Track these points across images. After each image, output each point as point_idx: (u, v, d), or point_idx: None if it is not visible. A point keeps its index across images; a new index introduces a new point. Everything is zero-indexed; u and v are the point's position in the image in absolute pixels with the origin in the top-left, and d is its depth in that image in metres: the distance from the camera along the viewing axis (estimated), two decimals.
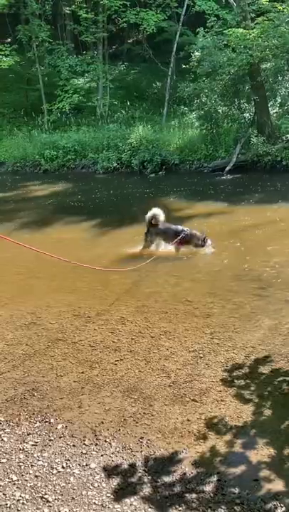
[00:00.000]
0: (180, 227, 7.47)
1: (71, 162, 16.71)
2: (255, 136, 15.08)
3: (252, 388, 3.81)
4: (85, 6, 18.94)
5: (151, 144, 15.50)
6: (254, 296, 5.64)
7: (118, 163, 15.78)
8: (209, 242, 7.36)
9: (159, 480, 2.90)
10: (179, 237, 7.25)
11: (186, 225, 7.87)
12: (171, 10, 19.35)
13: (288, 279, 6.07)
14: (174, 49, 18.55)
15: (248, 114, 15.91)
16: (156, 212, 7.35)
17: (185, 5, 17.74)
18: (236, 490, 2.81)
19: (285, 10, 13.65)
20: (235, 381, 3.93)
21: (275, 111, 16.26)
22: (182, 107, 18.67)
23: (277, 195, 11.42)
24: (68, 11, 21.02)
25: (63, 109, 18.69)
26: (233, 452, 3.12)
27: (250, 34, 13.73)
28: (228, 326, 4.92)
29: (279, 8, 13.72)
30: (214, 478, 2.89)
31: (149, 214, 7.34)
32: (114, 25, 20.31)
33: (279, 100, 16.28)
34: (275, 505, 2.69)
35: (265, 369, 4.08)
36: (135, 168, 15.39)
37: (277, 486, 2.81)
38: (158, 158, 15.22)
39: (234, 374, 4.04)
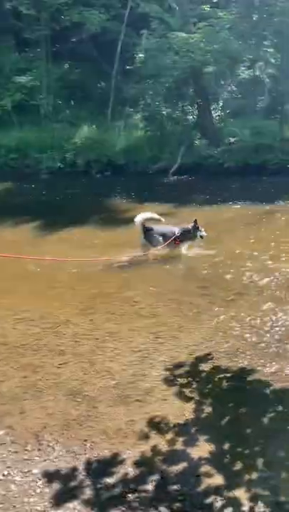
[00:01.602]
0: (175, 228, 7.46)
1: (13, 161, 16.29)
2: (199, 139, 15.41)
3: (194, 386, 3.90)
4: (26, 2, 18.53)
5: (97, 145, 15.44)
6: (198, 296, 5.76)
7: (63, 163, 15.58)
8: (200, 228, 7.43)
9: (102, 482, 2.91)
10: (171, 238, 7.24)
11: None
12: (115, 10, 19.32)
13: (231, 279, 6.24)
14: (119, 50, 18.55)
15: (191, 117, 16.22)
16: (148, 215, 7.33)
17: (128, 6, 17.78)
18: (178, 487, 2.87)
19: (224, 16, 14.04)
20: (179, 379, 4.01)
21: (217, 114, 16.68)
22: (127, 108, 18.72)
23: (220, 196, 11.72)
24: (9, 7, 20.48)
25: (5, 107, 18.20)
26: (175, 450, 3.18)
27: (192, 38, 14.00)
28: (173, 326, 5.00)
29: (219, 14, 14.10)
30: (156, 477, 2.94)
31: (139, 218, 7.23)
32: (58, 24, 20.00)
33: (221, 104, 16.72)
34: (215, 498, 2.77)
35: (206, 366, 4.18)
36: (81, 169, 15.27)
37: (217, 480, 2.90)
38: (104, 158, 15.17)
39: (177, 373, 4.11)
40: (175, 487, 2.87)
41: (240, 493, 2.79)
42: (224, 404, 3.69)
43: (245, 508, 2.69)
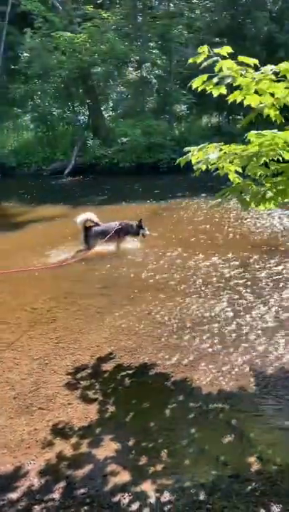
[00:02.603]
0: (114, 223, 7.55)
1: None
2: (92, 139, 15.43)
3: (97, 387, 3.90)
4: None
5: None
6: (98, 297, 5.77)
7: None
8: (146, 231, 7.61)
9: (4, 498, 2.79)
10: (112, 232, 7.33)
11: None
12: None
13: (129, 277, 6.34)
14: (1, 48, 17.91)
15: (83, 117, 16.19)
16: (88, 216, 7.41)
17: (10, 3, 17.20)
18: (85, 490, 2.85)
19: (109, 17, 14.19)
20: (82, 382, 3.98)
21: (108, 114, 16.83)
22: (15, 108, 18.17)
23: (117, 196, 11.86)
24: None
25: None
26: (81, 453, 3.15)
27: (78, 38, 13.95)
28: (74, 329, 4.96)
29: (103, 15, 14.21)
30: (63, 484, 2.89)
31: (81, 219, 7.35)
32: None
33: (111, 104, 16.90)
34: (122, 495, 2.79)
35: (109, 366, 4.21)
36: None
37: (124, 477, 2.93)
38: None
39: (80, 376, 4.08)
40: (82, 491, 2.85)
41: (147, 486, 2.85)
42: (127, 401, 3.74)
43: (152, 499, 2.75)
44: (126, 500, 2.76)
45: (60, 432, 3.37)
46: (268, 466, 2.97)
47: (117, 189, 12.82)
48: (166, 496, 2.77)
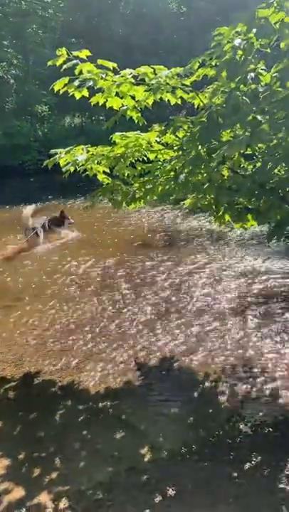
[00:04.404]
0: (44, 217, 8.20)
1: None
2: None
3: None
4: None
5: None
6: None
7: None
8: (70, 220, 8.28)
9: None
10: (40, 225, 7.88)
11: None
12: None
13: (8, 284, 6.10)
14: None
15: None
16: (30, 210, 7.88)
17: None
18: None
19: None
20: None
21: None
22: None
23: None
24: None
25: None
26: None
27: None
28: None
29: None
30: None
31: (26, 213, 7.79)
32: None
33: None
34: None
35: None
36: None
37: (19, 493, 2.83)
38: None
39: None
40: None
41: (44, 497, 2.79)
42: (14, 413, 3.61)
43: (50, 509, 2.70)
44: None
45: None
46: (161, 453, 3.11)
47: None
48: (65, 502, 2.75)
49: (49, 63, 3.85)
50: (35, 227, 7.76)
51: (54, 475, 2.96)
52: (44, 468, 3.02)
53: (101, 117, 19.59)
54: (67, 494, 2.81)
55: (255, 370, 4.00)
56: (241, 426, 3.34)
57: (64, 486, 2.87)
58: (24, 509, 2.72)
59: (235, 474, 2.90)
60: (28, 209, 7.91)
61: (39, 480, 2.93)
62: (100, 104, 4.04)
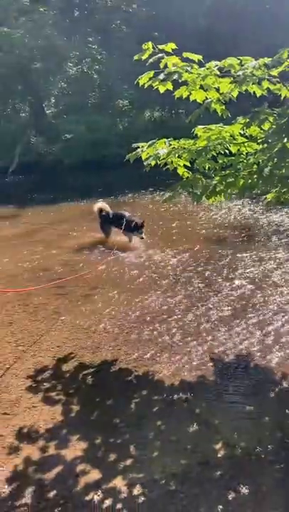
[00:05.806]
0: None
1: None
2: (35, 137, 15.13)
3: (60, 387, 3.87)
4: None
5: None
6: (54, 296, 5.71)
7: None
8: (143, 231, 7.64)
9: None
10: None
11: None
12: None
13: (109, 279, 6.32)
14: None
15: (24, 115, 15.83)
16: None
17: None
18: (58, 491, 2.84)
19: (46, 12, 13.93)
20: (45, 384, 3.94)
21: (50, 111, 16.55)
22: None
23: (62, 194, 11.71)
24: None
25: None
26: (50, 456, 3.13)
27: (14, 34, 13.60)
28: (33, 331, 4.89)
29: (40, 9, 13.93)
30: (33, 488, 2.86)
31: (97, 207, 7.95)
32: None
33: (53, 100, 16.63)
34: (95, 493, 2.80)
35: (71, 366, 4.19)
36: None
37: (95, 475, 2.94)
38: None
39: (43, 377, 4.04)
40: (54, 492, 2.83)
41: (119, 482, 2.87)
42: (92, 399, 3.74)
43: (124, 494, 2.78)
44: (99, 498, 2.77)
45: (27, 435, 3.32)
46: (235, 450, 3.07)
47: (61, 187, 12.66)
48: (139, 489, 2.81)
49: (135, 58, 3.90)
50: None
51: (128, 462, 3.04)
52: (119, 454, 3.11)
53: (180, 111, 19.52)
54: (140, 482, 2.87)
55: None
56: None
57: (138, 473, 2.94)
58: (100, 491, 2.82)
59: None
60: (102, 204, 7.95)
61: (114, 465, 3.02)
62: (184, 98, 4.04)
